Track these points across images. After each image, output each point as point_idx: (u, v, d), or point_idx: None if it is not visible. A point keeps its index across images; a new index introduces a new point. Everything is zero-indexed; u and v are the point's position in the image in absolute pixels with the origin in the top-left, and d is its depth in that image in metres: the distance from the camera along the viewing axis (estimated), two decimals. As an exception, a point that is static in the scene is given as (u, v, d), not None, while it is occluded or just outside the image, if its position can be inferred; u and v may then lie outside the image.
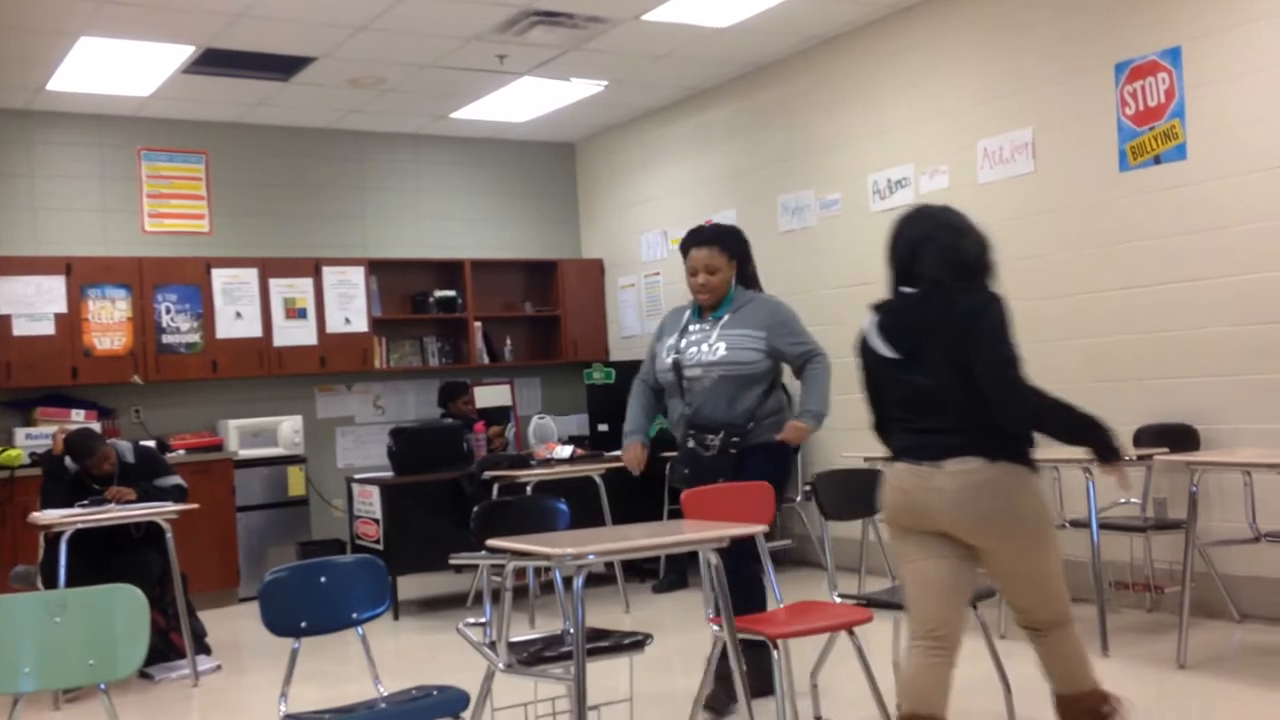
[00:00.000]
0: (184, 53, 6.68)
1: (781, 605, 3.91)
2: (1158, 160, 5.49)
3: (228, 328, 7.88)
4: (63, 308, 7.37)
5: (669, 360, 4.50)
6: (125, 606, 2.82)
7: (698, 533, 3.38)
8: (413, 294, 8.80)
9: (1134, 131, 5.57)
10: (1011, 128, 6.15)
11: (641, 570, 7.25)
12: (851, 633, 3.65)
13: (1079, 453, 5.15)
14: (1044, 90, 5.99)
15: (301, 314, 8.14)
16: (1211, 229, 5.30)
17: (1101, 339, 5.78)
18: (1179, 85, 5.38)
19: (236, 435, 7.74)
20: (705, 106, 8.31)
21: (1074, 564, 5.78)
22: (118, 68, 6.87)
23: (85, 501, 5.50)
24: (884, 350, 3.19)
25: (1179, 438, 5.31)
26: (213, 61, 6.86)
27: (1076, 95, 5.82)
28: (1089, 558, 5.03)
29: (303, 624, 3.05)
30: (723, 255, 4.44)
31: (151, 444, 6.71)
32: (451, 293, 8.79)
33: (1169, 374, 5.49)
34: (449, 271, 8.88)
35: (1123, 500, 5.50)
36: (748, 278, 4.55)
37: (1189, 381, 5.41)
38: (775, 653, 3.44)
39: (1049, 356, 6.00)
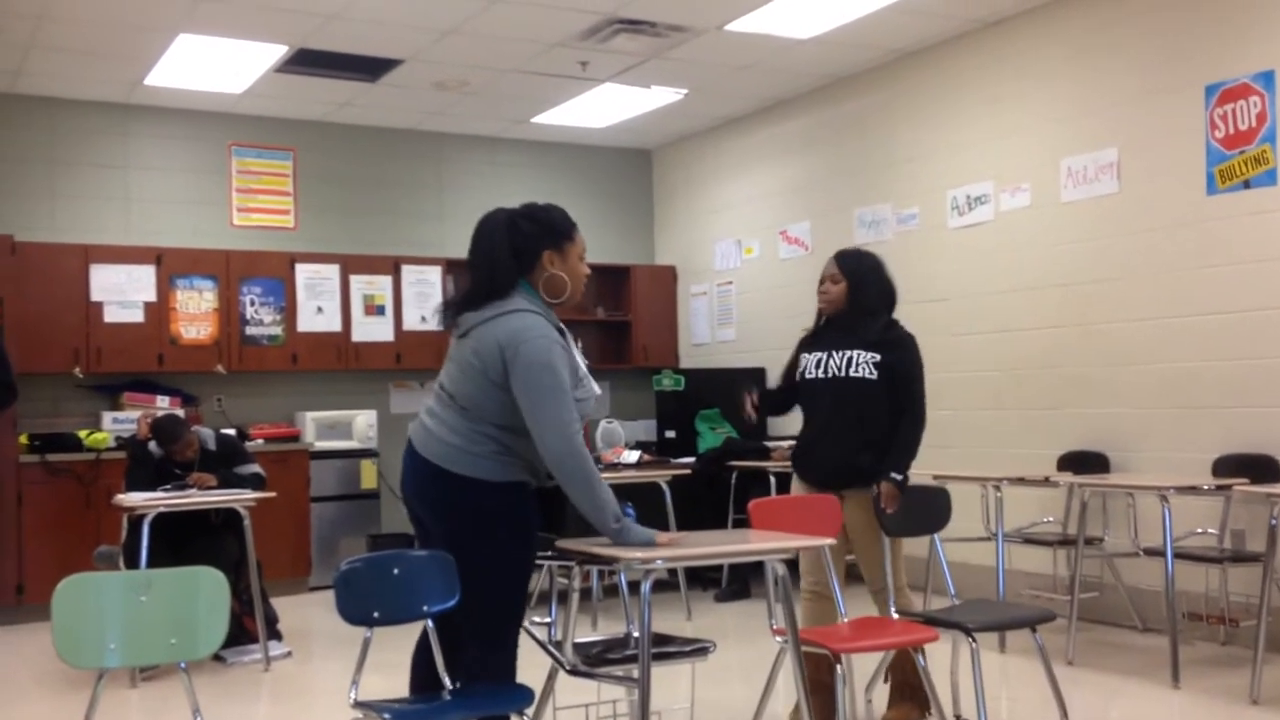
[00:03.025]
0: (277, 52, 6.85)
1: (845, 619, 3.91)
2: (1247, 185, 5.38)
3: (309, 322, 8.06)
4: (152, 296, 7.60)
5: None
6: (207, 588, 2.91)
7: (764, 543, 3.39)
8: (488, 295, 8.88)
9: (1223, 155, 5.47)
10: (1097, 147, 6.07)
11: (704, 578, 7.26)
12: (918, 651, 3.64)
13: (1156, 480, 5.08)
14: (1131, 110, 5.90)
15: (380, 311, 8.30)
16: (1301, 256, 5.18)
17: (1183, 364, 5.67)
18: (1271, 109, 5.27)
19: (313, 427, 7.91)
20: (784, 117, 8.31)
21: (1148, 593, 5.69)
22: (213, 65, 7.07)
23: (168, 486, 5.67)
24: None
25: (1260, 468, 5.19)
26: (304, 61, 7.03)
27: (1164, 116, 5.73)
28: (1163, 587, 4.94)
29: (375, 614, 3.12)
30: None
31: (232, 432, 6.89)
32: (525, 295, 8.86)
33: (1251, 403, 5.37)
34: (524, 273, 8.94)
35: (1200, 530, 5.41)
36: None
37: (1272, 411, 5.29)
38: (839, 667, 3.44)
39: (1129, 380, 5.91)
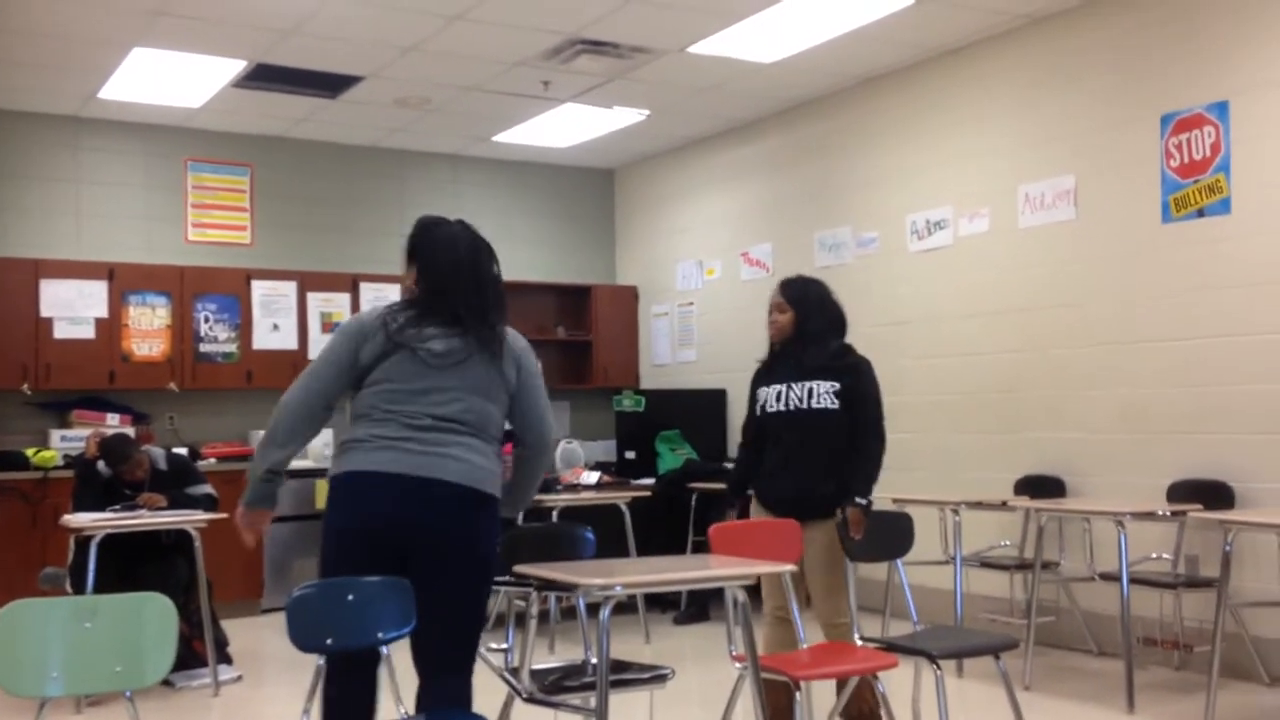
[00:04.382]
0: (235, 67, 6.78)
1: (805, 645, 3.89)
2: (1201, 213, 5.46)
3: (264, 339, 7.96)
4: (103, 313, 7.47)
5: None
6: (155, 615, 2.84)
7: (725, 569, 3.37)
8: (447, 313, 8.83)
9: (1178, 183, 5.54)
10: (1054, 174, 6.13)
11: (662, 601, 7.22)
12: (875, 677, 3.63)
13: (1112, 505, 5.11)
14: (1088, 138, 5.97)
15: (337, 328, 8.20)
16: (1254, 284, 5.25)
17: (1138, 390, 5.73)
18: (1225, 139, 5.35)
19: (267, 446, 7.78)
20: (746, 139, 8.34)
21: (1103, 618, 5.73)
22: (169, 79, 6.97)
23: (117, 506, 5.55)
24: None
25: (1214, 495, 5.24)
26: (263, 77, 6.95)
27: (1121, 145, 5.80)
28: (1119, 612, 4.97)
29: (328, 641, 3.06)
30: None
31: (184, 451, 6.77)
32: (485, 314, 8.81)
33: (1206, 429, 5.43)
34: (484, 292, 8.90)
35: (1154, 555, 5.45)
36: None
37: (1226, 438, 5.35)
38: (798, 694, 3.41)
39: (1085, 405, 5.96)
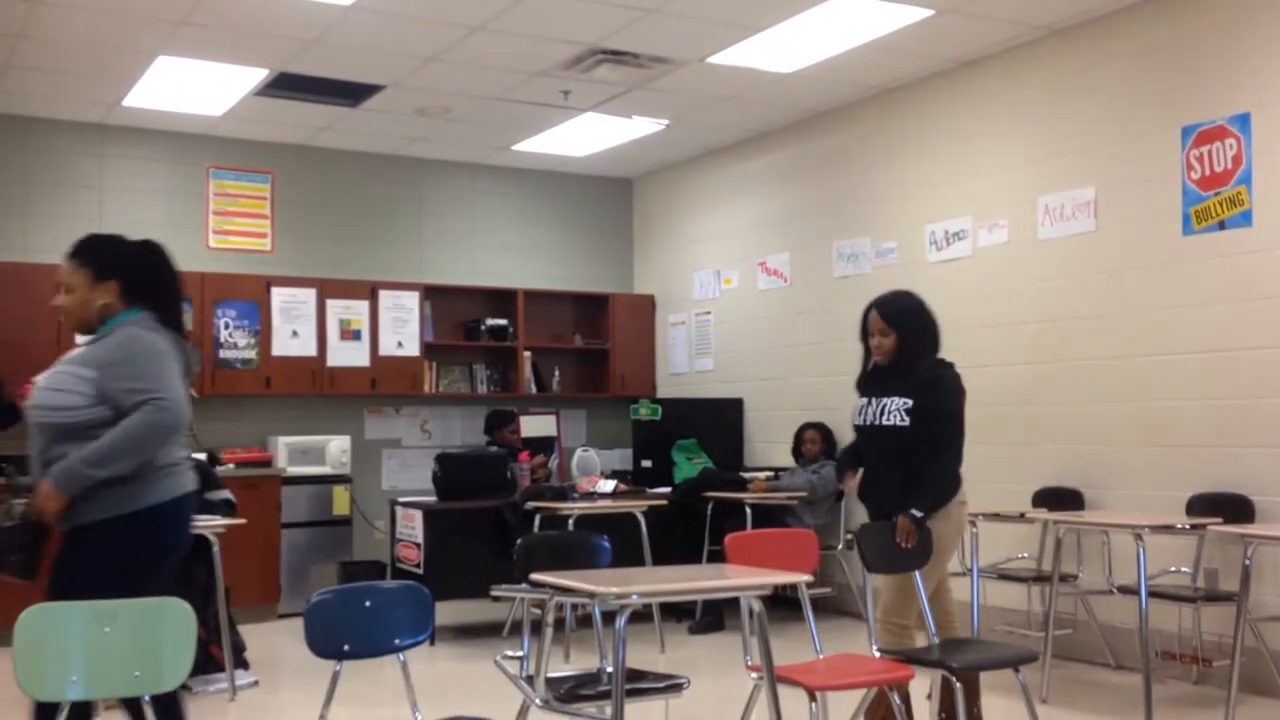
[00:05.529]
0: (258, 75, 6.83)
1: (821, 656, 3.88)
2: (1222, 226, 5.43)
3: (283, 346, 8.00)
4: (125, 318, 7.51)
5: None
6: (174, 620, 2.85)
7: (741, 578, 3.37)
8: (465, 321, 8.88)
9: (1199, 196, 5.52)
10: (1074, 185, 6.11)
11: (678, 610, 7.21)
12: (892, 689, 3.62)
13: (1131, 518, 5.09)
14: (1109, 150, 5.95)
15: (356, 335, 8.25)
16: (1275, 297, 5.22)
17: (1158, 403, 5.70)
18: (1247, 152, 5.33)
19: (285, 452, 7.83)
20: (765, 149, 8.35)
21: (1121, 631, 5.70)
22: (192, 87, 7.03)
23: (136, 511, 5.57)
24: None
25: (1233, 508, 5.21)
26: (285, 85, 7.01)
27: (1141, 157, 5.78)
28: (1137, 625, 4.94)
29: (345, 647, 3.08)
30: (80, 271, 3.54)
31: (203, 457, 6.81)
32: (503, 321, 8.87)
33: (1226, 443, 5.40)
34: (502, 300, 8.95)
35: (1173, 569, 5.42)
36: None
37: (1246, 451, 5.32)
38: (814, 704, 3.41)
39: (1104, 417, 5.93)
